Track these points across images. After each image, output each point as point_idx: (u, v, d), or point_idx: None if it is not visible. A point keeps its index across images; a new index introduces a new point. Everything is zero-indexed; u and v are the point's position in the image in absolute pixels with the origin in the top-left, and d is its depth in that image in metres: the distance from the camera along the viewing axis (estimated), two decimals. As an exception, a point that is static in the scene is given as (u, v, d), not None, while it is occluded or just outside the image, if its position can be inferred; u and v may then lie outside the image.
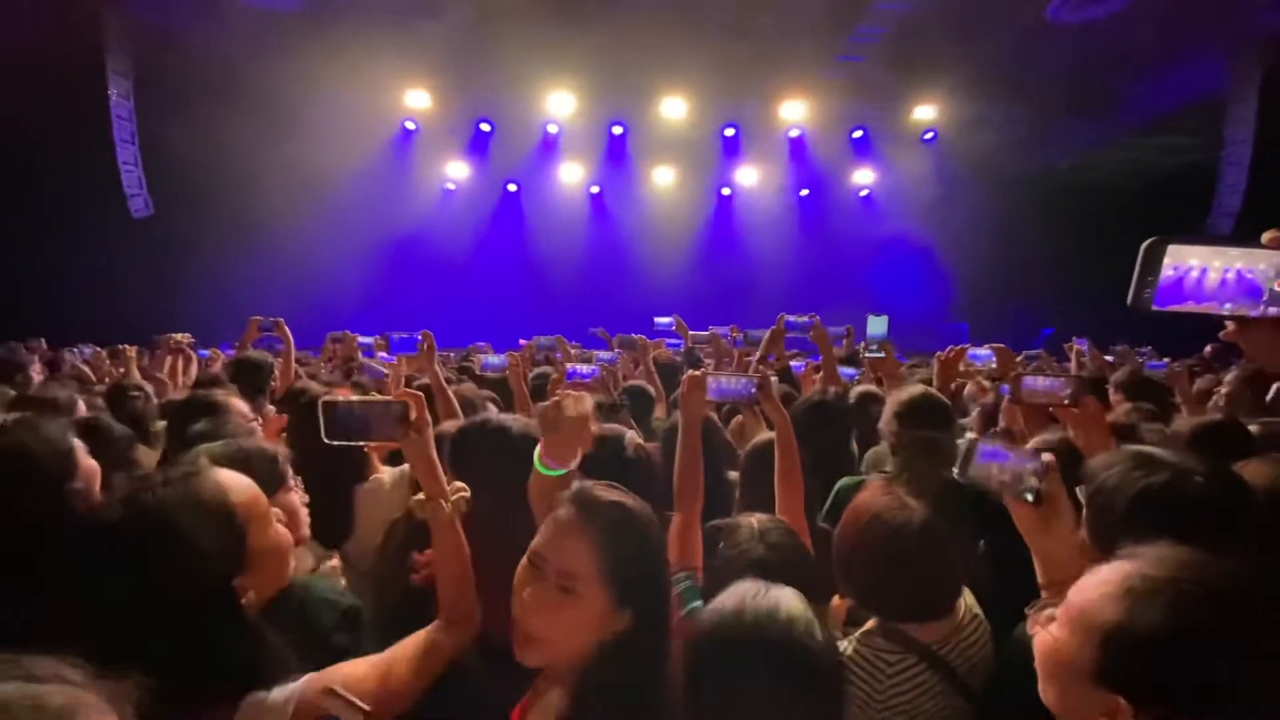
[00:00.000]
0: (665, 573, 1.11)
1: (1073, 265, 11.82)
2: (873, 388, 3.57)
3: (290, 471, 1.58)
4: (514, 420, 1.70)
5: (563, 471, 1.31)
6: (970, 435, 1.29)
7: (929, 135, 12.73)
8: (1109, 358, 5.88)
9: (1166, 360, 4.53)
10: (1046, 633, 0.92)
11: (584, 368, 3.20)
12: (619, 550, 1.04)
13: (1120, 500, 1.28)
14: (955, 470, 1.29)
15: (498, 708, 1.18)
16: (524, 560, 1.09)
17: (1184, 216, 11.26)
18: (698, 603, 1.62)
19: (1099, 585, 0.87)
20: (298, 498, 1.58)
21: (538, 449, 1.33)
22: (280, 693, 1.03)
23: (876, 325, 3.53)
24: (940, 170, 12.74)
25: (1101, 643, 0.83)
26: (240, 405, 2.34)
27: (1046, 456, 1.23)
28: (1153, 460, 1.31)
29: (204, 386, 3.12)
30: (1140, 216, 11.69)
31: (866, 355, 3.47)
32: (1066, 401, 1.91)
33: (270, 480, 1.50)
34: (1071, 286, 11.67)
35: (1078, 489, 1.39)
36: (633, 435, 2.10)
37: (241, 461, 1.48)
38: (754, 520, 1.63)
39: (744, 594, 1.09)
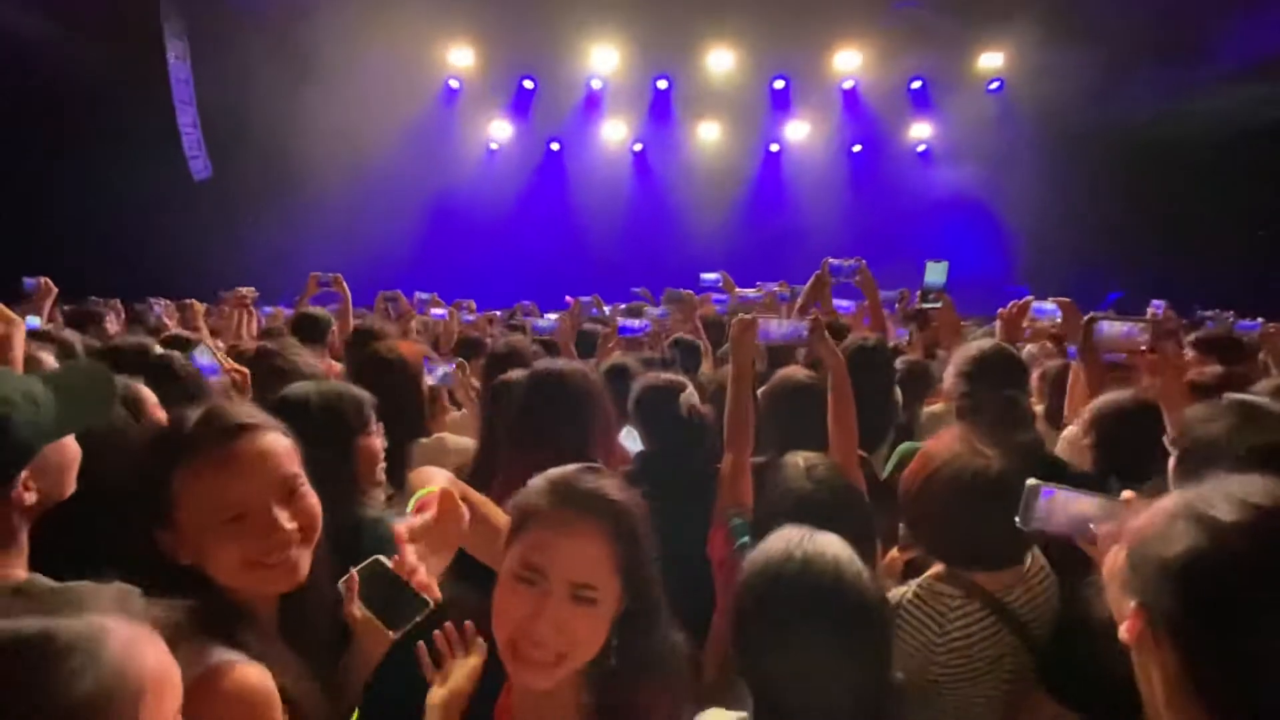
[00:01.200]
0: (652, 543, 1.02)
1: (1146, 226, 11.09)
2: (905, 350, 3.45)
3: (374, 417, 1.64)
4: (567, 364, 1.71)
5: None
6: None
7: (994, 85, 11.96)
8: (1184, 320, 5.54)
9: (1260, 320, 4.21)
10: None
11: (635, 322, 3.18)
12: (627, 540, 0.96)
13: (1225, 457, 1.21)
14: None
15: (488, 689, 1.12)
16: (508, 578, 0.95)
17: (1277, 171, 10.38)
18: (746, 538, 1.64)
19: (1154, 505, 0.90)
20: (378, 443, 1.64)
21: (413, 506, 1.08)
22: (199, 657, 0.91)
23: (935, 273, 3.32)
24: (1005, 123, 11.99)
25: (1127, 552, 0.88)
26: (309, 355, 2.45)
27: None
28: (1261, 414, 1.23)
29: (266, 339, 3.27)
30: (1225, 174, 10.83)
31: (923, 306, 3.28)
32: (1144, 347, 1.79)
33: (357, 422, 1.58)
34: (1143, 249, 10.98)
35: (1165, 439, 1.33)
36: (690, 393, 2.09)
37: (335, 400, 1.56)
38: (800, 458, 1.64)
39: (789, 538, 1.09)
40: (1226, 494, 0.82)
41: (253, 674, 0.94)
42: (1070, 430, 2.57)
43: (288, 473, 1.05)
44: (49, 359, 1.92)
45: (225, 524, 0.99)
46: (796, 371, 2.27)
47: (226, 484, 0.99)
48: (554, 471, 1.02)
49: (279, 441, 1.06)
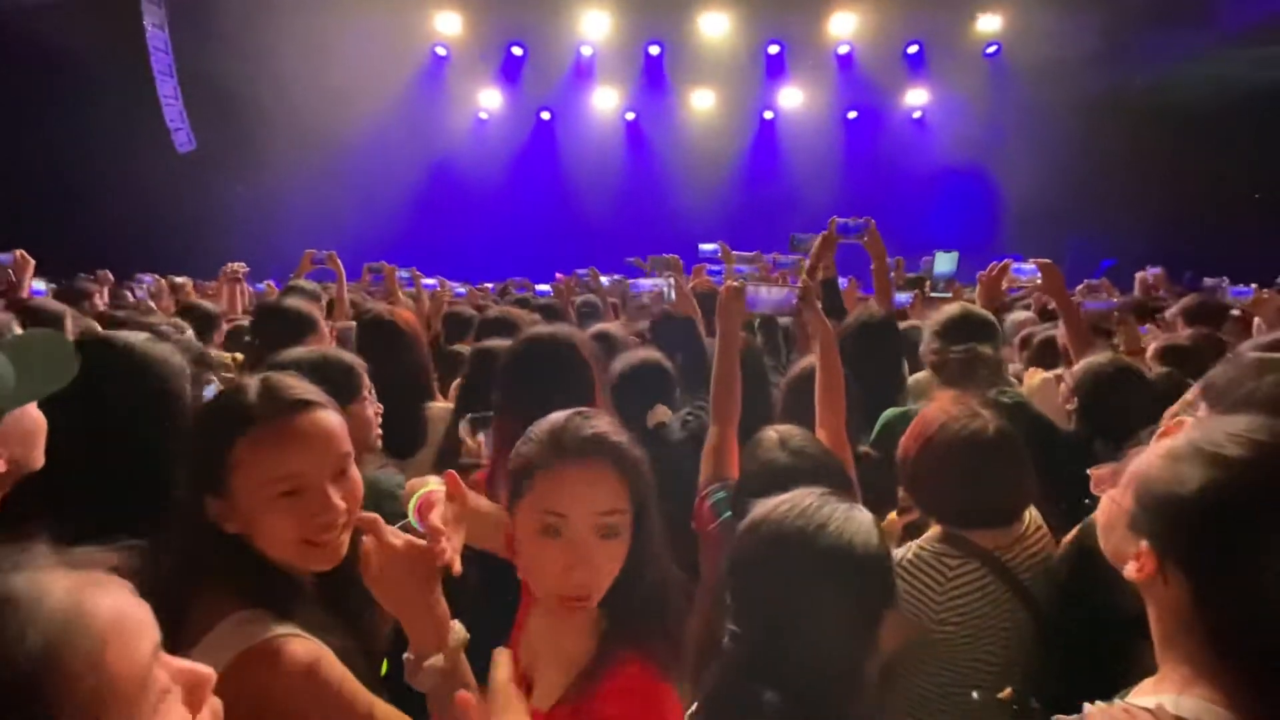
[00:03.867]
0: (650, 474, 1.04)
1: (1143, 192, 11.01)
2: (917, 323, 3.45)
3: (366, 382, 1.64)
4: (557, 329, 1.69)
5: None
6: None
7: (992, 49, 11.75)
8: (1177, 286, 5.55)
9: (1253, 286, 4.20)
10: (1108, 489, 0.97)
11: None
12: (632, 472, 1.00)
13: (1231, 401, 1.23)
14: None
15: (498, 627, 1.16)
16: (532, 534, 0.98)
17: (1277, 134, 10.28)
18: (729, 513, 1.64)
19: (1155, 446, 0.92)
20: (370, 409, 1.64)
21: (412, 509, 1.12)
22: (253, 627, 0.94)
23: (944, 263, 3.37)
24: (1002, 89, 11.81)
25: (1136, 494, 0.89)
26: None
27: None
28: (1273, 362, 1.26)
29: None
30: (1224, 138, 10.72)
31: (932, 296, 3.28)
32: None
33: (345, 389, 1.56)
34: (1140, 215, 10.92)
35: (1189, 395, 1.36)
36: (662, 410, 2.08)
37: (320, 367, 1.54)
38: (774, 430, 1.61)
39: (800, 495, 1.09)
40: (1230, 434, 0.84)
41: (309, 649, 0.95)
42: (1037, 379, 2.61)
43: (343, 451, 1.05)
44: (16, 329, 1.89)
45: (280, 497, 0.99)
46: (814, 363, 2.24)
47: (288, 457, 1.00)
48: (545, 423, 1.03)
49: (335, 419, 1.07)
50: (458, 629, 0.98)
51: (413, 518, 1.11)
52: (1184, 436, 0.88)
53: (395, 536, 0.97)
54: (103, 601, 0.60)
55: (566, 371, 1.60)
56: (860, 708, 0.98)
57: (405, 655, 0.94)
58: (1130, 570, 0.87)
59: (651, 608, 1.00)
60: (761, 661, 0.98)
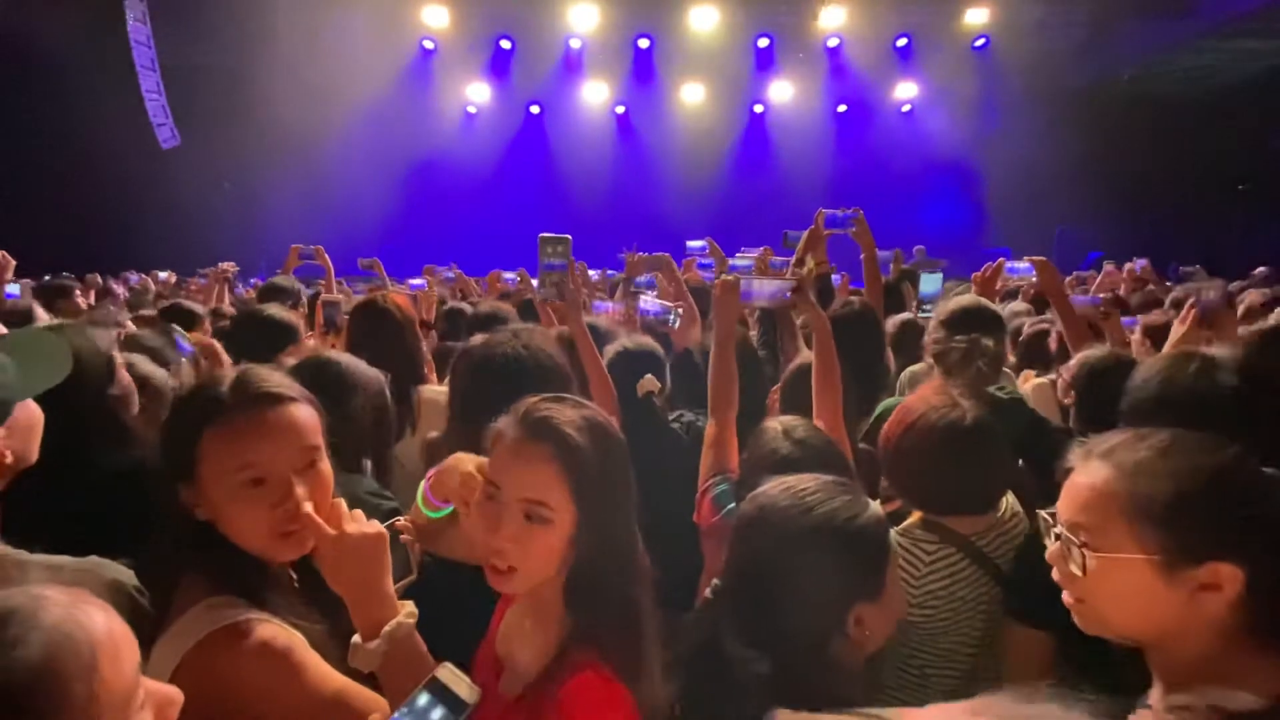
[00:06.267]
0: (625, 468, 1.04)
1: (1128, 184, 11.12)
2: (910, 315, 3.45)
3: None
4: (513, 340, 1.63)
5: (447, 511, 1.17)
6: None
7: (980, 42, 11.80)
8: (1166, 281, 5.61)
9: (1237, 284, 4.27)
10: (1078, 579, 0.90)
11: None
12: (573, 462, 0.98)
13: (1147, 395, 1.27)
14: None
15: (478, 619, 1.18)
16: (480, 498, 1.03)
17: (1259, 125, 10.40)
18: (732, 505, 1.66)
19: (1093, 496, 0.88)
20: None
21: (422, 488, 1.17)
22: (222, 611, 0.97)
23: (929, 283, 3.38)
24: (990, 82, 11.87)
25: (1165, 523, 0.82)
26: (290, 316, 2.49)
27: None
28: (1186, 355, 1.31)
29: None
30: (1206, 128, 10.84)
31: (920, 316, 3.27)
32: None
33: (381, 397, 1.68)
34: (1126, 207, 11.02)
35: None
36: (650, 379, 2.08)
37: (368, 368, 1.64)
38: (779, 421, 1.63)
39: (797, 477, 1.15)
40: (1200, 439, 0.86)
41: (275, 632, 0.97)
42: (1036, 381, 2.63)
43: (310, 444, 1.07)
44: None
45: (242, 486, 1.01)
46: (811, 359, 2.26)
47: (250, 448, 1.01)
48: (522, 401, 1.06)
49: (306, 413, 1.08)
50: (408, 609, 1.01)
51: (421, 497, 1.16)
52: (1174, 461, 0.85)
53: (352, 524, 1.01)
54: (96, 617, 0.63)
55: (515, 384, 1.49)
56: (831, 682, 1.00)
57: (354, 639, 0.97)
58: (1209, 604, 0.81)
59: (616, 614, 1.00)
60: (737, 616, 1.05)
